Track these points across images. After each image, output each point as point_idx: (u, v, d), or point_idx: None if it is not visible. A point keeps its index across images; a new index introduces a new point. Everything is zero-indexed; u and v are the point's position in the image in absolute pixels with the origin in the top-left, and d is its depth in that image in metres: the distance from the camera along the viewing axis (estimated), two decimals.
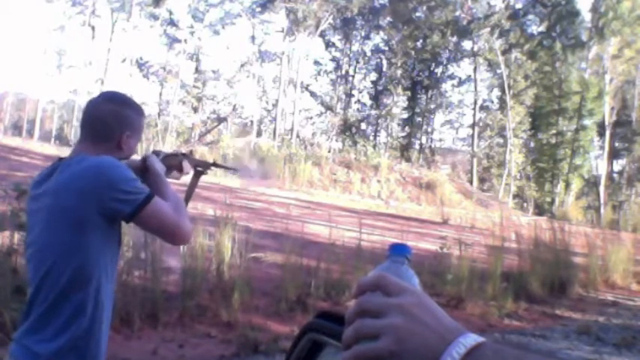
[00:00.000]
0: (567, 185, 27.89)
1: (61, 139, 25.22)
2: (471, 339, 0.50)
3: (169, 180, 1.78)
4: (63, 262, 1.43)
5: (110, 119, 1.59)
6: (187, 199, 1.93)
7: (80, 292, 1.44)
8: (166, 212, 1.51)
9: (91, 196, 1.43)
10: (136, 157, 1.77)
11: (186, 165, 1.90)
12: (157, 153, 1.85)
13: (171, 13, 28.07)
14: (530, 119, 28.29)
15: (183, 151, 2.00)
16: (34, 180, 1.60)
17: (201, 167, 1.99)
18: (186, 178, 1.99)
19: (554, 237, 8.12)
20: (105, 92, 1.72)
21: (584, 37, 27.39)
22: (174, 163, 1.88)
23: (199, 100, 28.58)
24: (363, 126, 31.80)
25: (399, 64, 29.25)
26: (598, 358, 4.88)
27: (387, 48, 31.24)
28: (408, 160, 25.99)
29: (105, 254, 1.50)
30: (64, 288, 1.43)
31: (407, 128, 31.55)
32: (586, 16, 27.70)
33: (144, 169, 1.71)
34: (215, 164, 2.09)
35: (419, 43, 30.32)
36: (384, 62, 31.18)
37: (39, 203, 1.51)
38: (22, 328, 1.46)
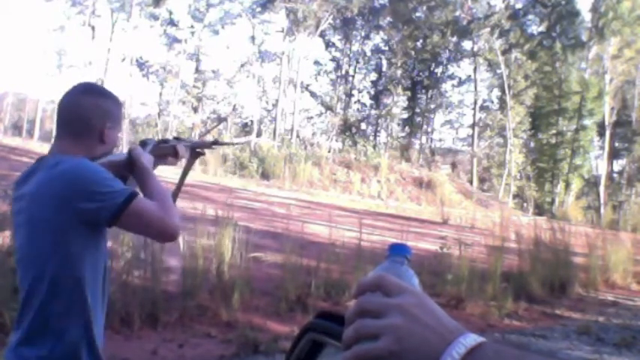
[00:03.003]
0: (567, 185, 27.89)
1: None
2: (471, 339, 0.50)
3: (165, 167, 1.75)
4: (49, 270, 1.39)
5: (90, 112, 1.51)
6: (181, 182, 1.83)
7: (69, 298, 1.40)
8: (150, 212, 1.42)
9: (66, 206, 1.37)
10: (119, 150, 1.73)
11: (181, 149, 1.80)
12: (144, 143, 1.74)
13: (171, 13, 28.11)
14: (530, 119, 28.30)
15: (175, 135, 1.92)
16: (16, 180, 1.56)
17: (200, 148, 1.91)
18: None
19: (554, 237, 8.12)
20: (80, 84, 1.63)
21: (584, 37, 27.39)
22: (166, 150, 1.79)
23: (199, 100, 28.58)
24: (363, 126, 31.81)
25: (399, 64, 29.25)
26: (598, 358, 4.88)
27: (387, 48, 31.23)
28: (408, 160, 25.99)
29: (92, 259, 1.45)
30: (51, 295, 1.39)
31: (407, 128, 31.55)
32: (586, 16, 27.75)
33: (130, 164, 1.61)
34: (216, 142, 2.00)
35: (419, 43, 30.30)
36: (384, 62, 31.19)
37: (19, 205, 1.47)
38: (16, 335, 1.44)
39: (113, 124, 1.56)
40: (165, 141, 1.82)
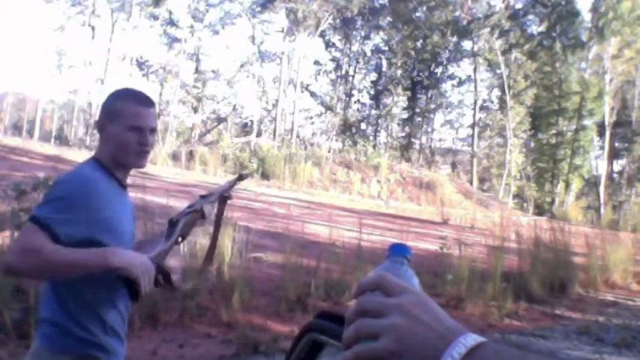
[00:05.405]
0: (567, 185, 27.87)
1: (61, 139, 25.14)
2: (472, 339, 0.50)
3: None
4: None
5: (99, 115, 1.65)
6: (217, 228, 1.95)
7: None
8: (21, 239, 1.45)
9: None
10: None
11: (207, 209, 1.82)
12: (173, 222, 1.74)
13: (171, 13, 28.05)
14: (530, 119, 28.28)
15: (203, 193, 1.90)
16: None
17: (227, 191, 1.89)
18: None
19: (554, 237, 8.11)
20: None
21: (584, 37, 27.38)
22: (194, 218, 1.79)
23: (199, 100, 28.55)
24: (363, 126, 31.79)
25: (399, 64, 29.23)
26: (598, 358, 4.88)
27: (387, 48, 31.21)
28: (408, 160, 25.98)
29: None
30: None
31: (407, 128, 31.53)
32: (586, 16, 27.74)
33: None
34: (241, 177, 2.01)
35: (419, 43, 30.29)
36: (384, 62, 31.17)
37: None
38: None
39: (110, 119, 1.59)
40: (194, 211, 1.79)
